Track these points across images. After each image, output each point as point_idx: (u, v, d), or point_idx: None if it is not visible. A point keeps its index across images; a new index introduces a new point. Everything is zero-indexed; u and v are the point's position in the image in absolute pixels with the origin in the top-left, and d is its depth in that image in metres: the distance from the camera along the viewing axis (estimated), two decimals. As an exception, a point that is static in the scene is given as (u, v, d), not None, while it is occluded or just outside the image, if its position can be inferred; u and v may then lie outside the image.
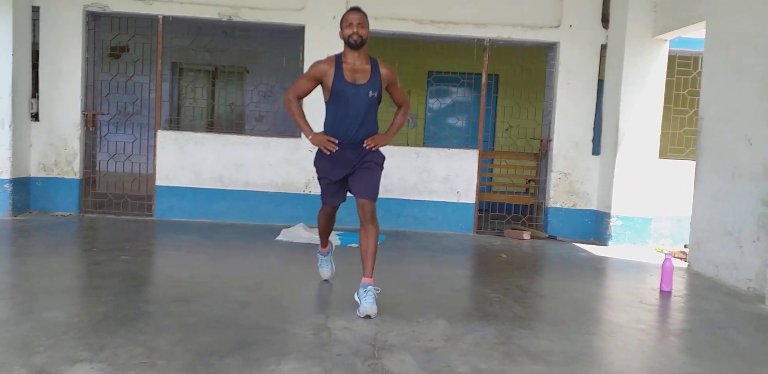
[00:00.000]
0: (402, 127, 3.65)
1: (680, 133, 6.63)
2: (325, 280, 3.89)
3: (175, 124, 8.18)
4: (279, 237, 5.41)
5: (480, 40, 6.35)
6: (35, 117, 6.12)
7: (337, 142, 3.37)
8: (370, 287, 3.23)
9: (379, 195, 6.19)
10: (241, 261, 4.46)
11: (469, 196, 6.42)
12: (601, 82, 6.39)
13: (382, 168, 3.51)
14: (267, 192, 6.32)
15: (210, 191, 6.28)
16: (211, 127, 8.43)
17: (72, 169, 6.19)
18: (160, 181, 6.26)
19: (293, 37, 6.81)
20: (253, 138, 6.34)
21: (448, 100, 7.88)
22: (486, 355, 2.63)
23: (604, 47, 6.33)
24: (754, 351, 2.96)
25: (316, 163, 3.56)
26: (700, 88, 5.06)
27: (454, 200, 6.42)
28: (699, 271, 4.90)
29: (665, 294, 4.12)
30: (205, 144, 6.27)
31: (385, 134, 3.47)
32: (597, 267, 5.07)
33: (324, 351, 2.54)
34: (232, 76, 8.30)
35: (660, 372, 2.56)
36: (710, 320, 3.50)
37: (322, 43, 6.19)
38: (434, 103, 8.62)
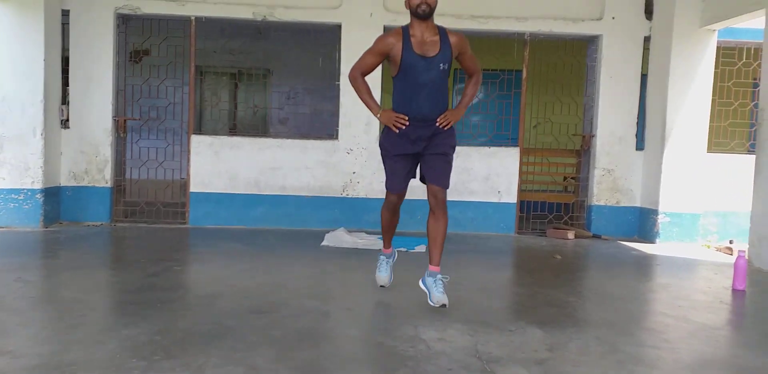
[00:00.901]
0: (474, 98, 3.45)
1: (725, 126, 6.48)
2: (381, 286, 3.64)
3: (197, 128, 8.03)
4: (324, 243, 5.25)
5: (520, 34, 6.18)
6: (65, 124, 5.95)
7: (407, 118, 3.21)
8: (439, 275, 3.19)
9: (418, 197, 6.06)
10: (297, 268, 4.28)
11: (511, 196, 6.26)
12: (644, 76, 6.25)
13: (454, 151, 3.37)
14: (304, 196, 6.15)
15: (246, 196, 6.12)
16: (233, 130, 8.27)
17: (103, 176, 6.02)
18: (194, 187, 6.10)
19: (318, 36, 6.64)
20: (289, 141, 6.17)
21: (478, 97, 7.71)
22: (599, 365, 2.47)
23: (647, 39, 6.17)
24: None
25: (382, 143, 3.39)
26: (759, 78, 4.92)
27: (495, 200, 6.27)
28: (762, 268, 4.76)
29: (739, 293, 3.98)
30: (240, 148, 6.10)
31: (456, 109, 3.32)
32: (657, 267, 4.92)
33: (432, 366, 2.38)
34: (255, 78, 8.13)
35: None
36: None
37: (359, 42, 5.96)
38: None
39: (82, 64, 5.90)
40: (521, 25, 6.13)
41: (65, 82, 5.91)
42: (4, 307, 3.01)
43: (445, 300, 3.07)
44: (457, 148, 6.35)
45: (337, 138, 6.16)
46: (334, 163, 6.14)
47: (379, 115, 3.29)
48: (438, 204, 3.29)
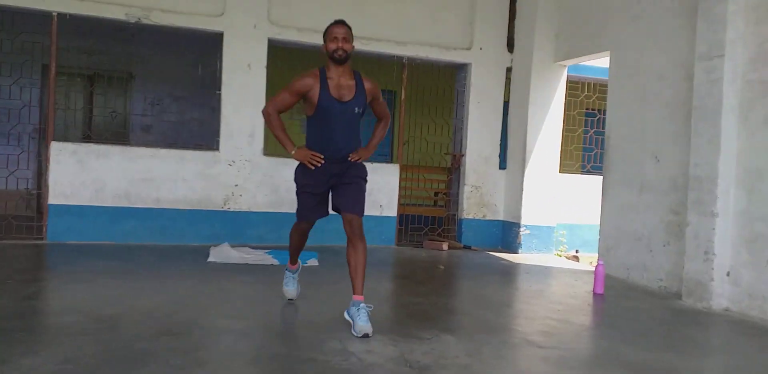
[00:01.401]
0: (382, 139, 3.62)
1: (571, 150, 7.38)
2: (290, 300, 3.72)
3: (43, 133, 7.25)
4: (211, 259, 5.03)
5: (399, 58, 6.53)
6: None
7: (322, 156, 3.28)
8: (362, 305, 3.16)
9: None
10: (191, 285, 4.08)
11: (391, 210, 6.53)
12: (505, 103, 6.91)
13: (366, 182, 3.48)
14: (181, 209, 5.84)
15: (115, 209, 5.65)
16: (88, 138, 7.58)
17: (-63, 186, 5.20)
18: (54, 199, 5.50)
19: (188, 42, 6.41)
20: (164, 151, 5.83)
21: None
22: (518, 366, 2.73)
23: (509, 70, 6.86)
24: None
25: (297, 177, 3.44)
26: (605, 111, 5.73)
27: (377, 214, 6.48)
28: (610, 274, 5.46)
29: (599, 297, 4.57)
30: (108, 157, 5.63)
31: (367, 148, 3.43)
32: (526, 275, 5.44)
33: (373, 378, 2.46)
34: (116, 81, 7.54)
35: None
36: (652, 313, 3.97)
37: (241, 51, 5.93)
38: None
39: None
40: (401, 48, 6.47)
41: None
42: None
43: (368, 329, 3.02)
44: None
45: (218, 149, 5.95)
46: (215, 175, 5.92)
47: (294, 152, 3.31)
48: (354, 231, 3.30)
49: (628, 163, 5.35)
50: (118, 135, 7.65)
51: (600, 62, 6.66)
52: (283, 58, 6.50)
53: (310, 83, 3.24)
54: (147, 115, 7.68)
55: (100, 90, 7.89)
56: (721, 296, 4.26)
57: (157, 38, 7.42)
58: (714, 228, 4.28)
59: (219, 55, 5.97)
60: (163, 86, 7.95)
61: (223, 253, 5.18)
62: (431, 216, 7.07)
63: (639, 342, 3.26)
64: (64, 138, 7.54)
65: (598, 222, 6.93)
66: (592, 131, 7.36)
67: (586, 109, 7.68)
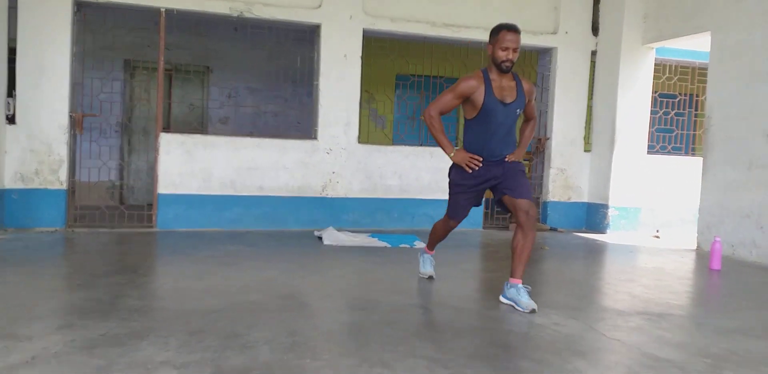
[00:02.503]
0: (531, 139, 3.65)
1: (652, 131, 7.38)
2: (430, 277, 3.84)
3: (125, 126, 7.43)
4: (326, 242, 5.16)
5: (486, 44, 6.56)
6: (11, 119, 5.22)
7: (481, 159, 3.31)
8: (521, 285, 3.21)
9: (396, 196, 6.22)
10: (332, 266, 4.21)
11: (481, 194, 6.60)
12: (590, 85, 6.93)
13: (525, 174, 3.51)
14: (282, 196, 5.98)
15: (221, 198, 5.80)
16: (168, 129, 7.73)
17: (57, 178, 5.37)
18: (163, 189, 5.65)
19: (266, 34, 6.49)
20: (267, 140, 5.95)
21: (409, 101, 7.92)
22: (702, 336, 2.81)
23: (593, 53, 6.87)
24: None
25: (454, 179, 3.45)
26: (705, 92, 5.73)
27: (467, 198, 6.55)
28: (710, 251, 5.52)
29: (716, 272, 4.62)
30: (216, 147, 5.77)
31: (519, 149, 3.45)
32: (631, 253, 5.49)
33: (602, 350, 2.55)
34: (193, 75, 7.67)
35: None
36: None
37: (337, 42, 6.02)
38: (402, 105, 8.69)
39: (33, 53, 5.22)
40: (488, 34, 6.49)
41: (11, 74, 5.19)
42: None
43: (534, 305, 3.09)
44: (432, 149, 6.62)
45: (316, 138, 6.07)
46: (314, 163, 6.04)
47: (452, 155, 3.35)
48: (529, 220, 3.23)
49: (735, 142, 5.35)
50: (194, 126, 7.81)
51: (681, 44, 6.65)
52: (376, 49, 6.57)
53: (475, 85, 3.26)
54: (223, 108, 7.80)
55: (178, 83, 8.04)
56: None
57: (231, 32, 7.54)
58: (841, 203, 4.30)
59: (316, 47, 6.06)
60: (239, 79, 8.07)
61: (335, 236, 5.31)
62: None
63: (760, 307, 3.33)
64: (144, 131, 7.76)
65: (678, 202, 6.98)
66: (673, 112, 7.36)
67: (654, 92, 7.67)
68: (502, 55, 3.22)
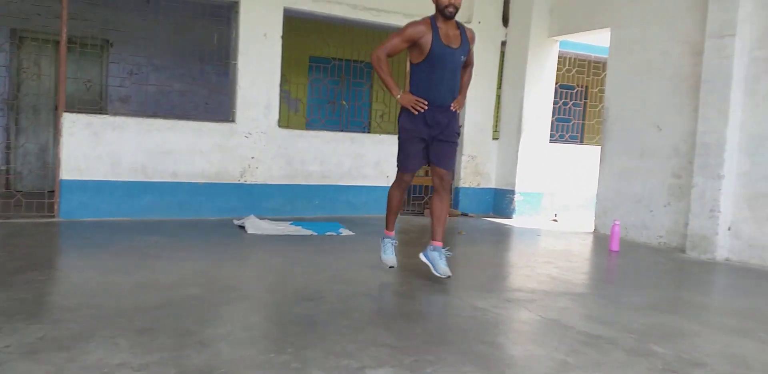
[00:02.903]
0: (468, 85, 3.73)
1: (553, 121, 7.86)
2: (391, 267, 3.73)
3: (11, 104, 6.75)
4: (251, 231, 5.04)
5: (405, 30, 6.64)
6: None
7: (426, 103, 3.41)
8: (443, 249, 3.47)
9: (317, 182, 6.20)
10: (266, 257, 4.14)
11: (398, 180, 6.72)
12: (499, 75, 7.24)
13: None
14: (198, 183, 5.74)
15: (131, 184, 5.46)
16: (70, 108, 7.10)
17: (-61, 162, 4.79)
18: (66, 175, 5.22)
19: (181, 8, 6.16)
20: (182, 123, 5.66)
21: (328, 85, 7.86)
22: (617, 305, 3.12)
23: (503, 43, 7.17)
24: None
25: (403, 124, 3.50)
26: (605, 84, 6.19)
27: (384, 184, 6.65)
28: (607, 233, 6.05)
29: (615, 253, 5.09)
30: (125, 129, 5.40)
31: (461, 96, 3.58)
32: (539, 236, 5.88)
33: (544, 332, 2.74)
34: (90, 48, 7.07)
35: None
36: (667, 264, 4.53)
37: (257, 21, 5.82)
38: (316, 88, 8.58)
39: None
40: (408, 20, 6.55)
41: None
42: None
43: (449, 272, 3.36)
44: (352, 135, 6.65)
45: (234, 121, 5.86)
46: (232, 148, 5.84)
47: (399, 96, 3.41)
48: (444, 185, 3.53)
49: (629, 132, 5.86)
50: (91, 105, 7.23)
51: (581, 39, 7.13)
52: (296, 30, 6.41)
53: (423, 30, 3.35)
54: (125, 85, 7.28)
55: (73, 57, 7.37)
56: (723, 248, 4.90)
57: (142, 5, 7.02)
58: (720, 189, 4.87)
59: (234, 24, 5.82)
60: (142, 55, 7.54)
61: (258, 225, 5.21)
62: (426, 186, 7.34)
63: (662, 284, 3.78)
64: (34, 109, 7.09)
65: (574, 188, 7.56)
66: (571, 103, 7.89)
67: (563, 82, 8.19)
68: (444, 1, 3.34)
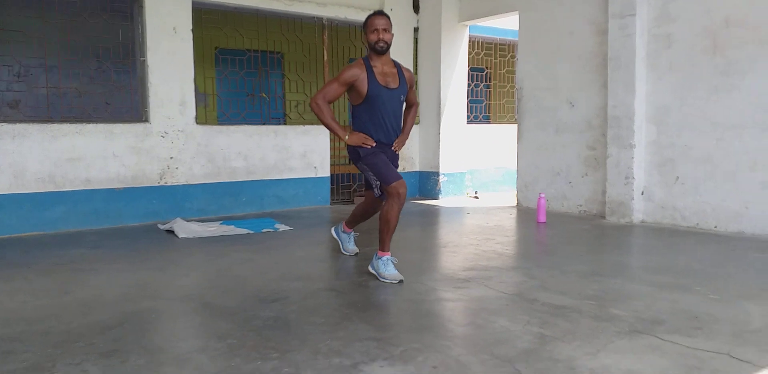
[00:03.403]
0: (413, 125, 3.82)
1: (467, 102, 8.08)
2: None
3: None
4: (182, 235, 4.79)
5: (320, 19, 6.52)
6: None
7: (373, 140, 3.42)
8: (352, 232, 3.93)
9: (243, 178, 6.01)
10: (206, 261, 3.95)
11: (325, 170, 6.65)
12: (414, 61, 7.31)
13: None
14: (114, 188, 5.36)
15: (39, 195, 5.00)
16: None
17: None
18: (-38, 191, 4.69)
19: (79, 3, 5.69)
20: (91, 126, 5.23)
21: (245, 77, 7.57)
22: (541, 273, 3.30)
23: (416, 30, 7.23)
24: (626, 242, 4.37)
25: (361, 151, 3.43)
26: (516, 65, 6.43)
27: (312, 175, 6.56)
28: (529, 206, 6.35)
29: (543, 224, 5.36)
30: (27, 136, 4.92)
31: (403, 135, 3.62)
32: (470, 214, 6.05)
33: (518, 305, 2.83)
34: (-35, 49, 6.35)
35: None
36: (592, 231, 4.85)
37: (164, 14, 5.48)
38: (224, 80, 8.24)
39: None
40: (321, 10, 6.46)
41: None
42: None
43: (356, 249, 3.95)
44: (276, 127, 6.50)
45: (148, 120, 5.51)
46: (148, 149, 5.49)
47: (347, 138, 3.39)
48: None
49: (544, 110, 6.14)
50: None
51: (488, 23, 7.35)
52: (201, 21, 6.08)
53: (357, 73, 3.35)
54: (11, 89, 6.62)
55: (-56, 59, 6.59)
56: (639, 211, 5.30)
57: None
58: (633, 157, 5.25)
59: (140, 19, 5.43)
60: (29, 55, 6.88)
61: (188, 228, 4.97)
62: (353, 174, 7.33)
63: (595, 250, 4.07)
64: None
65: (490, 166, 7.88)
66: (482, 85, 8.14)
67: (473, 65, 8.41)
68: (373, 37, 3.38)
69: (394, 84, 3.43)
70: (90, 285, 3.28)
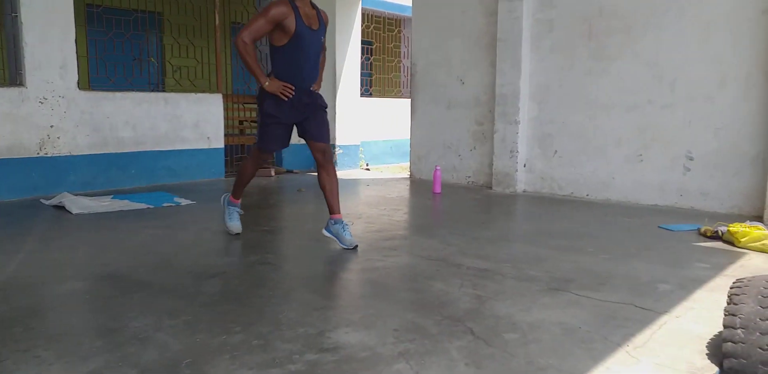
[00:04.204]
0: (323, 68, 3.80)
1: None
2: (237, 234, 3.79)
3: None
4: (76, 210, 4.47)
5: (212, -18, 6.21)
6: None
7: (293, 87, 3.39)
8: (344, 221, 3.56)
9: (131, 149, 5.76)
10: (118, 238, 3.75)
11: (219, 141, 6.46)
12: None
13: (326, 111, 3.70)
14: (-15, 160, 4.82)
15: None
16: None
17: None
18: None
19: None
20: (-46, 89, 4.62)
21: (123, 39, 6.98)
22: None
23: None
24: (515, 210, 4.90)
25: (266, 108, 3.44)
26: (410, 41, 6.63)
27: (206, 146, 6.35)
28: (422, 178, 6.71)
29: (438, 194, 5.74)
30: None
31: (319, 78, 3.63)
32: (369, 186, 6.27)
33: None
34: None
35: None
36: (484, 200, 5.32)
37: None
38: (99, 41, 7.55)
39: None
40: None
41: None
42: None
43: (355, 241, 3.49)
44: (166, 95, 6.22)
45: (23, 85, 4.96)
46: (24, 116, 4.97)
47: (267, 84, 3.32)
48: (326, 158, 3.52)
49: (436, 86, 6.45)
50: None
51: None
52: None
53: (286, 11, 3.25)
54: None
55: None
56: (522, 182, 5.86)
57: None
58: (517, 133, 5.75)
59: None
60: None
61: (82, 203, 4.64)
62: (248, 145, 7.19)
63: (492, 217, 4.52)
64: None
65: (381, 138, 8.16)
66: (372, 58, 8.28)
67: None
68: None
69: (315, 25, 3.41)
70: (-5, 268, 3.02)
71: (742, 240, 3.54)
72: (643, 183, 5.10)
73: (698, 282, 2.86)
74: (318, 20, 3.44)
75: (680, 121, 4.88)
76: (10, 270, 2.98)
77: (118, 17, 6.23)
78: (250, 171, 3.70)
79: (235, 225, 3.80)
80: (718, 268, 3.12)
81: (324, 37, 3.53)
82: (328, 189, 3.55)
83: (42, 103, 5.07)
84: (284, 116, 3.46)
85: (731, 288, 2.05)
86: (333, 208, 3.56)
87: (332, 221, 3.55)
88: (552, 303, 2.56)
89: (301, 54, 3.37)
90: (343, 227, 3.52)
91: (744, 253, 3.44)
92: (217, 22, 6.37)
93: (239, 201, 3.85)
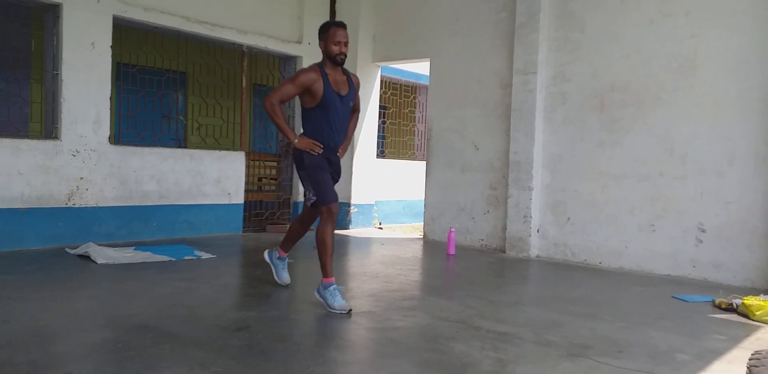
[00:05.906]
0: (354, 130, 3.97)
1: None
2: (286, 285, 3.97)
3: None
4: (101, 261, 4.57)
5: (239, 45, 6.59)
6: None
7: (322, 145, 3.57)
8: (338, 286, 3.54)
9: (154, 203, 5.88)
10: (146, 289, 3.82)
11: (239, 197, 6.63)
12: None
13: None
14: (17, 208, 4.97)
15: (-72, 214, 4.52)
16: None
17: None
18: None
19: None
20: (-5, 141, 4.85)
21: (141, 95, 7.33)
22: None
23: (332, 65, 7.53)
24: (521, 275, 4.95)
25: (312, 161, 3.56)
26: (426, 107, 6.94)
27: (226, 202, 6.51)
28: (435, 239, 6.82)
29: (452, 256, 5.82)
30: None
31: (347, 141, 3.82)
32: (383, 245, 6.35)
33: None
34: None
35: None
36: (498, 264, 5.38)
37: (83, 27, 5.29)
38: (128, 99, 7.91)
39: None
40: (242, 37, 6.54)
41: None
42: None
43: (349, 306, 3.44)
44: (191, 151, 6.46)
45: (59, 138, 5.20)
46: (57, 168, 5.18)
47: (296, 141, 3.53)
48: (332, 218, 3.59)
49: (451, 150, 6.69)
50: None
51: (398, 65, 7.89)
52: (128, 41, 5.90)
53: (314, 77, 3.49)
54: None
55: None
56: (535, 247, 5.94)
57: None
58: (531, 199, 5.90)
59: (55, 30, 5.16)
60: None
61: (106, 254, 4.75)
62: (265, 202, 7.35)
63: (507, 281, 4.57)
64: None
65: (395, 199, 8.32)
66: (389, 122, 8.60)
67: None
68: (335, 49, 3.53)
69: (344, 91, 3.62)
70: (27, 315, 3.09)
71: (757, 313, 3.59)
72: (656, 252, 5.18)
73: (716, 354, 2.90)
74: (348, 85, 3.67)
75: (692, 193, 5.02)
76: (41, 318, 3.05)
77: (149, 77, 6.58)
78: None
79: (285, 276, 4.03)
80: (735, 340, 3.16)
81: (355, 100, 3.74)
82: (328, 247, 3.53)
83: (74, 155, 5.29)
84: (325, 165, 3.61)
85: (750, 359, 2.12)
86: (329, 271, 3.54)
87: (322, 285, 3.51)
88: (573, 369, 2.60)
89: (329, 117, 3.58)
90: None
91: (759, 326, 3.49)
92: (244, 83, 6.72)
93: (287, 254, 4.06)
